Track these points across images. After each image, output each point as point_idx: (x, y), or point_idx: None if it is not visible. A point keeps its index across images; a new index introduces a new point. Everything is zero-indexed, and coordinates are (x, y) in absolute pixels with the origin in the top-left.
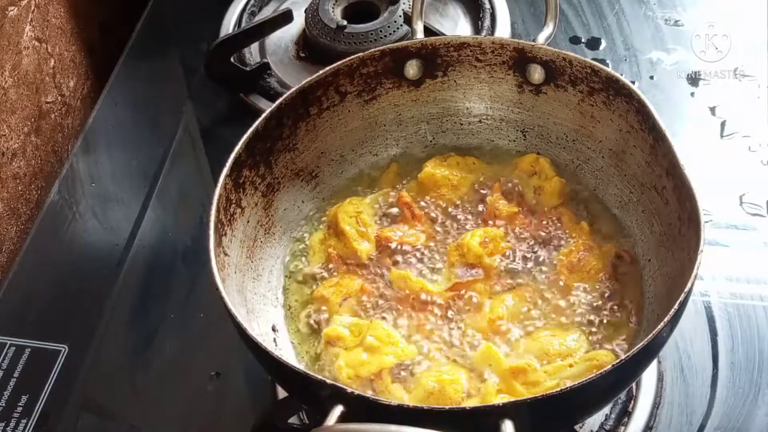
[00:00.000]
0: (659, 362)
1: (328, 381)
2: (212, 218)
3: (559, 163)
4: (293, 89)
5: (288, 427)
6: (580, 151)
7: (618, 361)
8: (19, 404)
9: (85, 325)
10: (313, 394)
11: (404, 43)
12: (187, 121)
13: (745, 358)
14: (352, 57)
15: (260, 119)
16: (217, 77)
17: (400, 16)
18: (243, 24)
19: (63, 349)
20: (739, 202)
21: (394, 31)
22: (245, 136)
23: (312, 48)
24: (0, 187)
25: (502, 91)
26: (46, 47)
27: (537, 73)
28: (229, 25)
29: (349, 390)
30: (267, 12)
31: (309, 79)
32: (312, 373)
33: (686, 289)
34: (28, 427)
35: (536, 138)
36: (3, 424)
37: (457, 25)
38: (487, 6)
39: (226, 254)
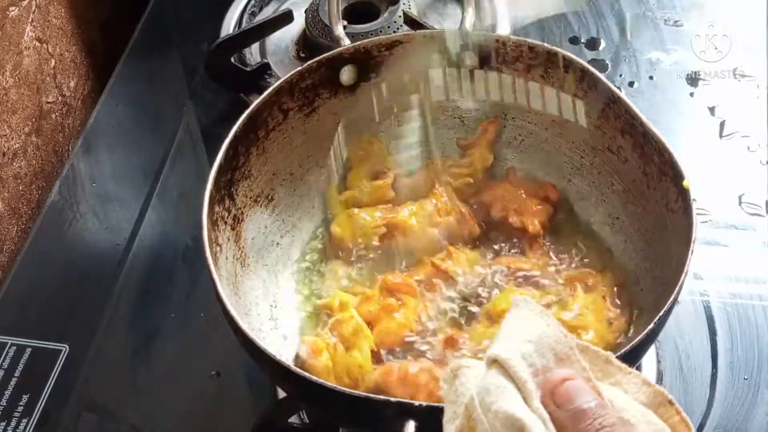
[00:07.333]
0: (658, 362)
1: (392, 399)
2: (210, 262)
3: (501, 139)
4: (243, 115)
5: (288, 426)
6: (522, 127)
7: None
8: (20, 404)
9: (86, 325)
10: (375, 415)
11: (338, 50)
12: (188, 121)
13: (744, 357)
14: (292, 72)
15: (221, 152)
16: (217, 77)
17: (400, 16)
18: (243, 24)
19: (64, 349)
20: (738, 202)
21: (394, 32)
22: (213, 172)
23: (312, 48)
24: (1, 187)
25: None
26: (47, 47)
27: (469, 59)
28: (229, 25)
29: (417, 403)
30: (267, 12)
31: (256, 102)
32: (373, 395)
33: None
34: (29, 427)
35: (474, 122)
36: (4, 423)
37: (457, 26)
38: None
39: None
